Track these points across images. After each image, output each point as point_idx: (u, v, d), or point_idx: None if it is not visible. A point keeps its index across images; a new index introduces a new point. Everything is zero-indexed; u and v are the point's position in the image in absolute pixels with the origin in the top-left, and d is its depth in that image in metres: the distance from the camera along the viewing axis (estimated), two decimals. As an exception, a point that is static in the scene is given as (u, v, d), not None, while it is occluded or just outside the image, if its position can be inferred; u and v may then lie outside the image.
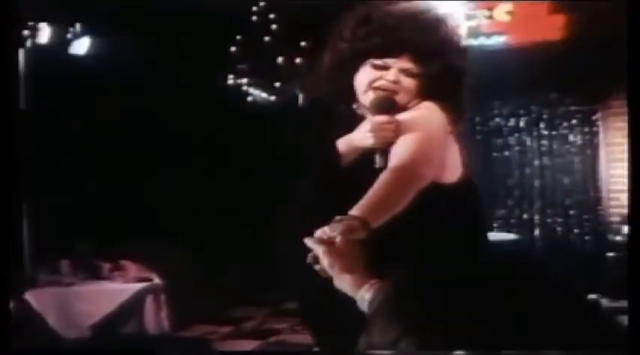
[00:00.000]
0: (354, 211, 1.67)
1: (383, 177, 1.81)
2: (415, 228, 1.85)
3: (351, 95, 2.13)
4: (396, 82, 2.03)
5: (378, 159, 1.98)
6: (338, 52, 2.10)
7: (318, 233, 1.61)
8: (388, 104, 2.03)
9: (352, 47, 2.06)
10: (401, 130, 1.96)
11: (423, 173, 1.88)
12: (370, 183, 1.78)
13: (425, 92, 2.06)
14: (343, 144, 2.06)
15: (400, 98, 2.05)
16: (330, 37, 2.13)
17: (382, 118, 1.99)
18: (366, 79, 2.06)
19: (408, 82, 2.04)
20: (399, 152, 1.92)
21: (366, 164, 1.99)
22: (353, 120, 2.14)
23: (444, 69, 2.06)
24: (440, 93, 2.06)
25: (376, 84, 2.04)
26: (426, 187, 1.86)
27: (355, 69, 2.08)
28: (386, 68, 2.04)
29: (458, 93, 2.12)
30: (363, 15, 2.08)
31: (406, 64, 2.03)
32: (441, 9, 2.23)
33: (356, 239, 1.60)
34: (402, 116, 2.01)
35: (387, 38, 2.03)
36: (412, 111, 2.04)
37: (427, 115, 2.03)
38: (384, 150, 1.96)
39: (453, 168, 2.07)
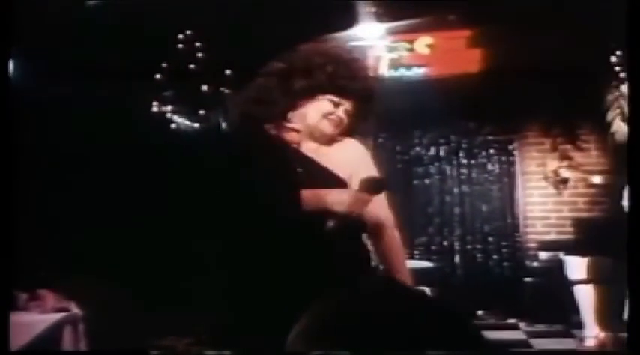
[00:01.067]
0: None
1: (391, 247, 2.36)
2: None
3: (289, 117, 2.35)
4: (342, 119, 2.34)
5: (332, 222, 2.14)
6: (315, 81, 2.31)
7: None
8: (381, 186, 2.29)
9: (330, 82, 2.30)
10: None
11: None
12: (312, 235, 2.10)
13: (350, 130, 2.39)
14: (311, 195, 2.18)
15: (338, 132, 2.35)
16: (308, 66, 2.32)
17: (367, 198, 2.21)
18: (322, 109, 2.32)
19: (346, 120, 2.35)
20: (381, 216, 2.33)
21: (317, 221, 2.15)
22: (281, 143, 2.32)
23: (371, 112, 2.42)
24: (359, 132, 2.44)
25: (330, 116, 2.32)
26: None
27: (314, 98, 2.32)
28: (338, 105, 2.32)
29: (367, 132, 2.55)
30: (348, 59, 2.37)
31: (350, 105, 2.34)
32: (364, 41, 2.44)
33: None
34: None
35: (360, 84, 2.33)
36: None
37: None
38: (346, 218, 2.15)
39: None
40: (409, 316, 0.91)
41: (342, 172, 2.29)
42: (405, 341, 0.87)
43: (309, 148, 2.33)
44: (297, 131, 2.32)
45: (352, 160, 2.35)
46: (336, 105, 2.32)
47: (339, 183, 2.27)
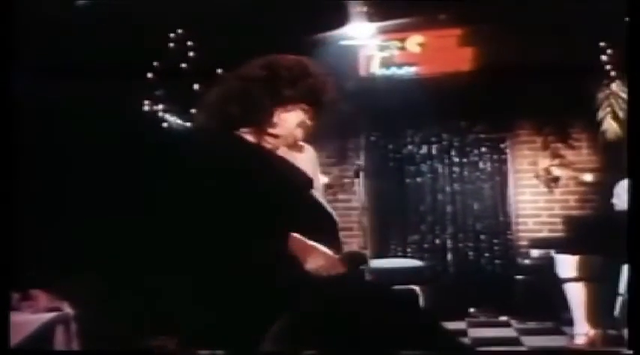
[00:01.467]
0: None
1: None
2: None
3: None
4: (309, 127, 2.47)
5: (298, 273, 2.16)
6: (298, 91, 2.39)
7: None
8: (362, 262, 2.46)
9: (309, 93, 2.40)
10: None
11: None
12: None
13: (309, 138, 2.54)
14: (299, 241, 2.21)
15: (302, 138, 2.49)
16: (291, 76, 2.40)
17: (343, 268, 2.24)
18: (298, 117, 2.43)
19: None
20: None
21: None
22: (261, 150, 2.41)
23: (327, 119, 2.51)
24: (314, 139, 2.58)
25: (304, 125, 2.44)
26: None
27: (293, 106, 2.42)
28: (307, 113, 2.43)
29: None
30: (322, 73, 2.45)
31: (313, 113, 2.45)
32: (355, 40, 2.50)
33: None
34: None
35: (329, 96, 2.45)
36: None
37: None
38: (312, 273, 2.19)
39: None
40: (383, 317, 0.92)
41: (310, 174, 2.47)
42: (379, 342, 0.87)
43: (283, 152, 2.48)
44: (275, 136, 2.42)
45: (312, 164, 2.60)
46: (306, 113, 2.44)
47: (311, 183, 2.44)
